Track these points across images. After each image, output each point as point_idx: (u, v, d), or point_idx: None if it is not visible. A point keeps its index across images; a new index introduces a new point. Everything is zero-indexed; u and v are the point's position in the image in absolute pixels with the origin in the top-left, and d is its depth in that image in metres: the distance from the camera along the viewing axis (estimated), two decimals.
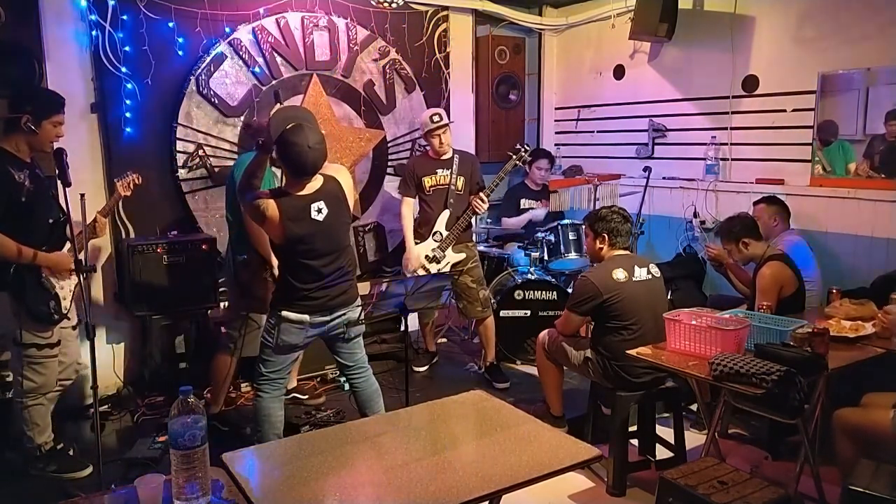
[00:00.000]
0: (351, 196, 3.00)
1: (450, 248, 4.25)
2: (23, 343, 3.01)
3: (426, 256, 4.27)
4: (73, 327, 3.22)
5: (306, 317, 2.88)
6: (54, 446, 3.22)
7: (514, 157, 4.22)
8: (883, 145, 3.92)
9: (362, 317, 3.05)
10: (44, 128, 2.92)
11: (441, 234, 4.24)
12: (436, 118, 4.16)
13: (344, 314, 2.97)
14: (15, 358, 3.10)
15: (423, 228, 4.31)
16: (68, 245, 3.10)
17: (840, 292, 3.31)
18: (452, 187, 4.22)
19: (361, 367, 3.15)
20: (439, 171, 4.25)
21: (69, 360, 3.24)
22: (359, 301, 3.03)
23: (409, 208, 4.34)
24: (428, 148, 4.30)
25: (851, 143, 4.06)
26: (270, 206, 2.74)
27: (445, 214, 4.24)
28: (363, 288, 3.17)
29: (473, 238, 4.51)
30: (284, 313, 2.88)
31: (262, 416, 3.00)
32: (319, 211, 2.79)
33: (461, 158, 4.29)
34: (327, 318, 2.92)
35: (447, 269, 4.25)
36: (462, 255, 4.29)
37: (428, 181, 4.26)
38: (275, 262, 3.31)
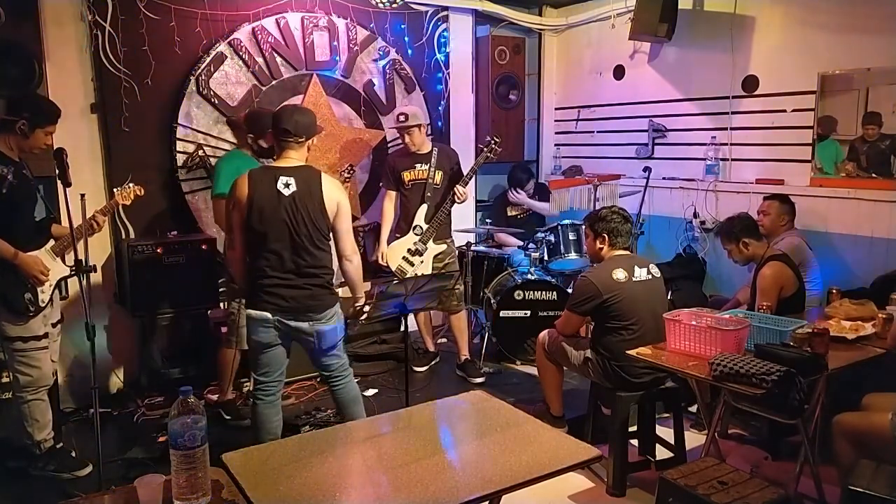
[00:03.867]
0: (337, 210, 2.91)
1: (431, 240, 4.31)
2: (8, 336, 3.02)
3: (408, 250, 4.34)
4: (53, 325, 3.21)
5: (268, 315, 2.83)
6: (54, 445, 3.22)
7: (486, 149, 4.30)
8: (865, 146, 3.96)
9: (342, 325, 2.96)
10: (35, 134, 2.99)
11: (421, 227, 4.31)
12: (401, 118, 4.26)
13: (313, 323, 2.87)
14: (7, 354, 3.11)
15: (403, 223, 4.40)
16: (51, 243, 3.12)
17: (840, 292, 3.31)
18: (430, 181, 4.29)
19: (339, 376, 3.05)
20: (418, 165, 4.32)
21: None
22: (333, 312, 2.92)
23: (391, 202, 4.45)
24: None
25: (843, 142, 4.08)
26: (241, 179, 2.84)
27: (423, 208, 4.30)
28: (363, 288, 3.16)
29: (452, 235, 4.55)
30: (248, 310, 2.89)
31: (257, 423, 2.98)
32: (286, 185, 2.80)
33: (440, 152, 4.36)
34: (292, 322, 2.85)
35: (430, 260, 4.32)
36: (444, 246, 4.37)
37: (407, 175, 4.33)
38: None
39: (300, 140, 2.88)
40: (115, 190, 3.37)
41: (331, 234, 2.94)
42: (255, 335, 2.89)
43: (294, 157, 2.90)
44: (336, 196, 2.91)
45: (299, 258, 2.83)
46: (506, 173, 5.49)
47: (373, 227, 5.02)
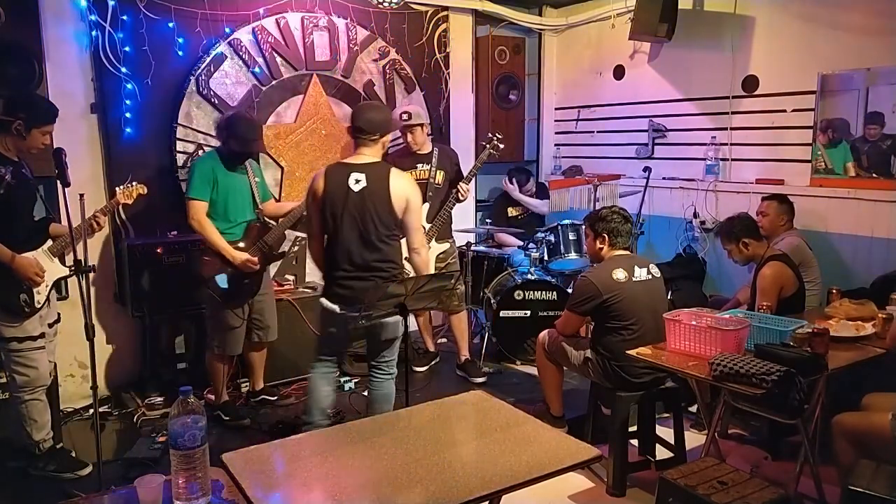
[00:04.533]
0: (406, 206, 3.00)
1: (433, 239, 4.32)
2: (3, 337, 3.01)
3: None
4: (50, 325, 3.21)
5: (336, 307, 3.00)
6: (53, 445, 3.22)
7: (488, 146, 4.33)
8: (867, 146, 3.96)
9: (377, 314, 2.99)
10: (32, 135, 2.98)
11: (424, 227, 4.29)
12: (404, 116, 4.26)
13: (380, 315, 2.95)
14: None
15: None
16: (49, 243, 3.11)
17: (840, 292, 3.31)
18: (432, 181, 4.30)
19: (384, 370, 3.16)
20: (419, 165, 4.33)
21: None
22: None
23: None
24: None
25: (848, 142, 4.07)
26: (319, 174, 3.02)
27: (425, 207, 4.29)
28: None
29: (453, 234, 4.56)
30: (321, 300, 3.08)
31: (309, 388, 3.23)
32: (357, 182, 2.94)
33: (440, 152, 4.37)
34: (356, 314, 2.92)
35: (433, 259, 4.33)
36: (447, 245, 4.39)
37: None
38: (236, 254, 3.49)
39: (374, 137, 3.01)
40: (117, 189, 3.33)
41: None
42: (324, 323, 3.10)
43: (367, 154, 3.03)
44: (405, 192, 3.00)
45: (367, 252, 2.98)
46: (505, 173, 5.48)
47: None
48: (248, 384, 4.07)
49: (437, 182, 4.30)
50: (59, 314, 3.31)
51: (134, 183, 3.36)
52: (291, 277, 4.53)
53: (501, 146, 4.33)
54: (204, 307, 3.79)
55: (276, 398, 4.00)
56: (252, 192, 3.67)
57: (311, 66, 4.58)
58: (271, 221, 3.76)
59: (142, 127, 4.06)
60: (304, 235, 4.68)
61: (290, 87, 4.54)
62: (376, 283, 2.95)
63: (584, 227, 3.50)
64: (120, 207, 3.68)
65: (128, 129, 4.01)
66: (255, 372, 3.97)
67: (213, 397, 3.83)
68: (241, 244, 3.59)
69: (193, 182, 3.50)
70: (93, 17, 3.84)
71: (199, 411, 1.61)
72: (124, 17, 3.92)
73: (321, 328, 3.17)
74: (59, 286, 3.27)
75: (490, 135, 4.35)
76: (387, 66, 4.91)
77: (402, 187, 2.99)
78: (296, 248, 4.67)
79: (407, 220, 3.02)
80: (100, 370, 2.75)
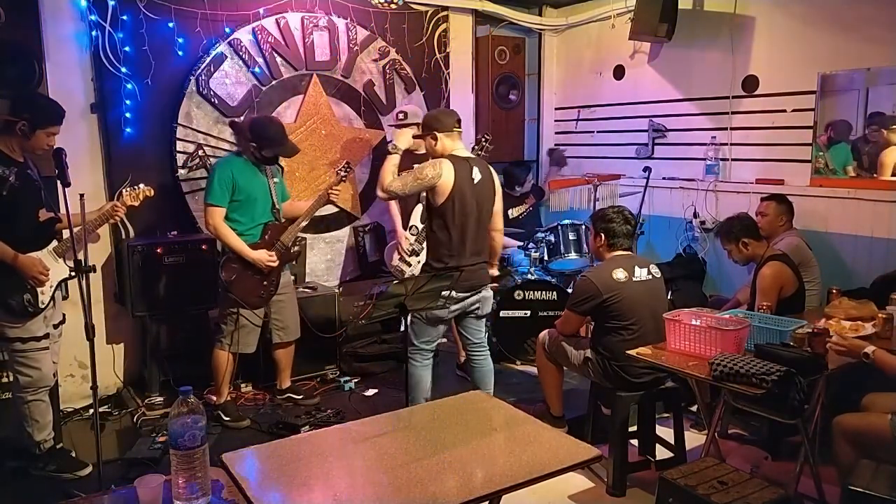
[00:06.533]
0: (497, 197, 3.47)
1: (426, 240, 4.28)
2: (7, 337, 3.01)
3: (405, 250, 4.31)
4: (55, 326, 3.21)
5: (451, 291, 3.18)
6: (54, 445, 3.22)
7: (476, 146, 4.31)
8: (867, 146, 3.96)
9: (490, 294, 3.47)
10: (37, 135, 2.97)
11: (417, 227, 4.27)
12: (400, 116, 4.32)
13: (479, 292, 3.36)
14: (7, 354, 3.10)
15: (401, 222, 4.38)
16: (54, 243, 3.11)
17: (840, 292, 3.31)
18: None
19: (482, 346, 3.51)
20: (416, 165, 4.28)
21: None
22: (489, 282, 3.44)
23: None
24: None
25: (848, 143, 4.07)
26: (447, 167, 3.27)
27: (419, 208, 4.27)
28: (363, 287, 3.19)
29: None
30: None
31: (413, 382, 3.34)
32: (479, 173, 3.34)
33: None
34: (467, 294, 3.29)
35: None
36: None
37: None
38: (254, 254, 3.56)
39: (459, 130, 3.43)
40: (123, 191, 3.29)
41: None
42: (436, 310, 3.23)
43: (462, 147, 3.41)
44: (498, 184, 3.48)
45: (479, 237, 3.35)
46: (501, 172, 5.48)
47: (373, 226, 5.02)
48: (247, 386, 4.07)
49: None
50: (63, 315, 3.31)
51: (141, 185, 3.34)
52: (291, 277, 4.52)
53: (491, 147, 4.33)
54: (213, 306, 3.82)
55: (301, 396, 4.01)
56: (271, 193, 3.69)
57: (311, 66, 4.58)
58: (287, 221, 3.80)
59: (142, 127, 4.05)
60: (304, 235, 4.70)
61: (290, 87, 4.54)
62: (483, 265, 3.38)
63: (590, 223, 3.51)
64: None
65: (128, 129, 4.01)
66: (282, 370, 3.98)
67: (213, 397, 3.83)
68: (260, 243, 3.63)
69: (213, 188, 3.55)
70: (93, 17, 3.84)
71: (199, 411, 1.61)
72: (124, 17, 3.92)
73: (430, 316, 3.27)
74: (61, 287, 3.26)
75: (479, 136, 4.34)
76: (387, 66, 4.91)
77: (497, 179, 3.48)
78: (295, 248, 4.66)
79: (497, 206, 3.46)
80: (100, 370, 2.74)
